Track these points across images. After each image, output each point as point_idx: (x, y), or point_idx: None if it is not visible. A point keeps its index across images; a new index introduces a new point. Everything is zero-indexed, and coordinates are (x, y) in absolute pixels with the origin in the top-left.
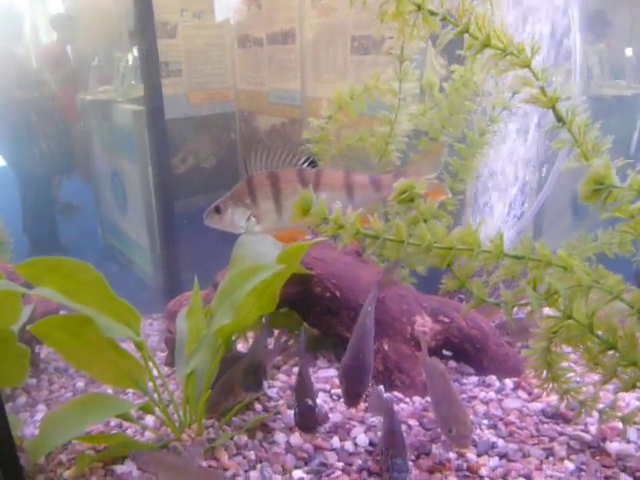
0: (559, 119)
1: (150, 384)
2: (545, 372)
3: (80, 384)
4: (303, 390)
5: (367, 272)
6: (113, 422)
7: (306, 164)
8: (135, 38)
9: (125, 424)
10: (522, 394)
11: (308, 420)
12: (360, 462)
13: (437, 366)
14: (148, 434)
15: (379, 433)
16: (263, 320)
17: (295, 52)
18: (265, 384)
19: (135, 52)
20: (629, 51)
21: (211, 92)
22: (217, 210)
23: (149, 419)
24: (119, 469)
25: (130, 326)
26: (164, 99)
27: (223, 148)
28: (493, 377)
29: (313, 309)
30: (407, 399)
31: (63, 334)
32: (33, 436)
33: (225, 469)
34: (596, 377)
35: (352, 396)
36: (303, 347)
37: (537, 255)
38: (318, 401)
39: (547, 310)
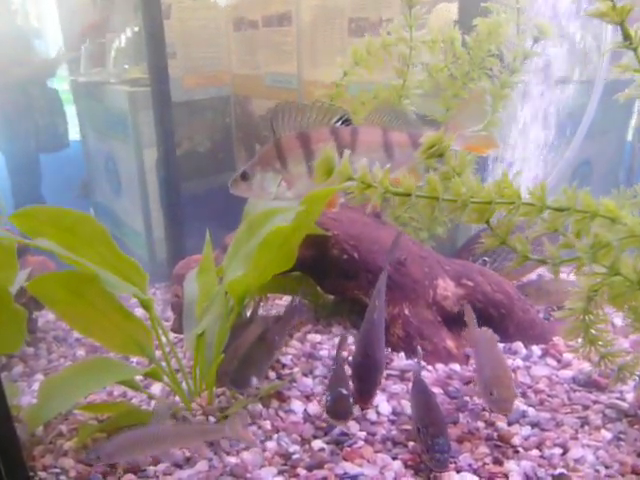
0: (627, 37)
1: (158, 351)
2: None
3: (81, 353)
4: (338, 379)
5: (387, 234)
6: (117, 391)
7: (340, 122)
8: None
9: (130, 393)
10: (551, 361)
11: (340, 408)
12: (384, 432)
13: (485, 333)
14: (155, 404)
15: (402, 401)
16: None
17: (291, 35)
18: (254, 380)
19: (129, 33)
20: None
21: (206, 76)
22: (244, 177)
23: (155, 387)
24: None
25: (136, 285)
26: None
27: (218, 132)
28: (519, 344)
29: (329, 273)
30: (429, 367)
31: (63, 293)
32: (31, 404)
33: (239, 440)
34: (626, 344)
35: (364, 394)
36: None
37: (582, 206)
38: None
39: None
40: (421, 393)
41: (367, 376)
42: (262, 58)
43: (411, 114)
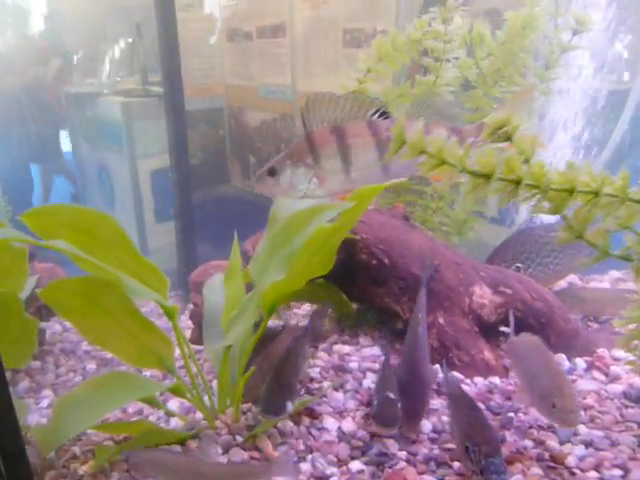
0: None
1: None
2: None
3: (91, 366)
4: (384, 383)
5: (418, 237)
6: (132, 408)
7: (377, 116)
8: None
9: (146, 410)
10: (598, 375)
11: (387, 413)
12: (425, 451)
13: (528, 340)
14: (174, 421)
15: (443, 417)
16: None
17: (285, 46)
18: (289, 406)
19: (122, 44)
20: (618, 45)
21: (199, 87)
22: (272, 172)
23: (173, 403)
24: None
25: (157, 292)
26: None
27: (211, 144)
28: (562, 356)
29: (356, 279)
30: (468, 380)
31: (77, 301)
32: (41, 425)
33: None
34: None
35: (412, 418)
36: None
37: None
38: (367, 381)
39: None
40: (468, 408)
41: (414, 396)
42: (256, 69)
43: (451, 108)
